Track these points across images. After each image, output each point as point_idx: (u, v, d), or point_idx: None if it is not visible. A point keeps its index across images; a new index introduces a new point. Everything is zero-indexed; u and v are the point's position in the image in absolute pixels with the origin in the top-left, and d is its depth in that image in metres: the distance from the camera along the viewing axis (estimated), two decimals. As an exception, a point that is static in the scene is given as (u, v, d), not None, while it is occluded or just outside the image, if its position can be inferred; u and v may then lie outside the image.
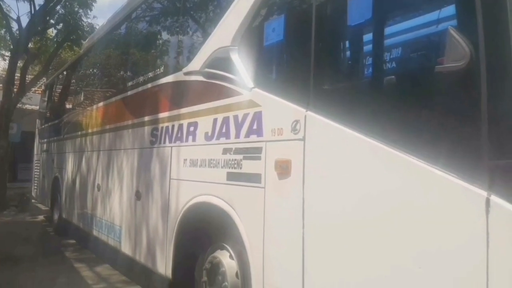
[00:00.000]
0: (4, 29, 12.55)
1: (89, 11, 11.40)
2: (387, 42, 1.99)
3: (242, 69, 2.71)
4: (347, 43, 2.37)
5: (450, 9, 1.74)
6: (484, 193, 1.42)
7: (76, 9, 11.20)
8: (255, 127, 2.54)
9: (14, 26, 10.87)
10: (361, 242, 1.87)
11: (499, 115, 1.43)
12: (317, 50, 2.18)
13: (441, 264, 1.54)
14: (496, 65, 1.45)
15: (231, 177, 2.73)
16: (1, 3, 10.53)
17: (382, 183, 1.80)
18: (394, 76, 1.91)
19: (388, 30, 1.99)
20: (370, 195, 1.84)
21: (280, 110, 2.35)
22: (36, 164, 9.89)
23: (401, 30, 1.92)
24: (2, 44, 13.81)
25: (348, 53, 2.40)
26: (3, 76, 11.78)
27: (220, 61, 2.90)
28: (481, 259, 1.40)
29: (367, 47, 2.15)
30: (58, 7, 10.97)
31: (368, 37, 2.11)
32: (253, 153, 2.53)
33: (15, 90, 10.65)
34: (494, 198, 1.40)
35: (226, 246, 2.90)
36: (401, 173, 1.73)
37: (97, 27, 10.53)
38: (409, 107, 1.77)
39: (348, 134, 1.92)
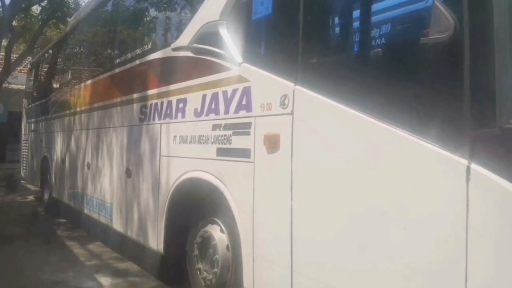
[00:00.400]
0: (-14, 7, 12.26)
1: (74, -13, 11.14)
2: (375, 16, 2.00)
3: (231, 44, 2.70)
4: (335, 17, 2.37)
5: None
6: (465, 162, 1.47)
7: (61, -15, 10.93)
8: (244, 102, 2.55)
9: (-3, 3, 10.59)
10: (347, 211, 1.92)
11: (481, 86, 1.47)
12: (305, 24, 2.18)
13: (424, 227, 1.60)
14: (479, 37, 1.48)
15: (221, 152, 2.75)
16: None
17: (367, 154, 1.85)
18: (380, 49, 1.93)
19: (375, 5, 2.00)
20: (356, 165, 1.89)
21: (269, 85, 2.36)
22: (24, 144, 9.80)
23: (388, 4, 1.93)
24: (-16, 22, 13.50)
25: (336, 27, 2.40)
26: (-13, 55, 11.53)
27: (209, 36, 2.89)
28: (462, 224, 1.45)
29: (355, 22, 2.17)
30: (42, -17, 10.71)
31: (356, 11, 2.12)
32: (242, 128, 2.55)
33: (0, 69, 10.44)
34: (475, 166, 1.44)
35: (217, 220, 2.95)
36: (386, 144, 1.77)
37: (83, 4, 10.30)
38: (395, 79, 1.80)
39: (335, 107, 1.95)
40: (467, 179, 1.44)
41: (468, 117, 1.48)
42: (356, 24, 2.18)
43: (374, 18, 2.01)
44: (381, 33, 1.95)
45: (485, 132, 1.44)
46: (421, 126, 1.62)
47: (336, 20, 2.37)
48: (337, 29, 2.40)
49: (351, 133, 1.92)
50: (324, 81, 2.07)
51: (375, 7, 2.00)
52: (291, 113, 2.18)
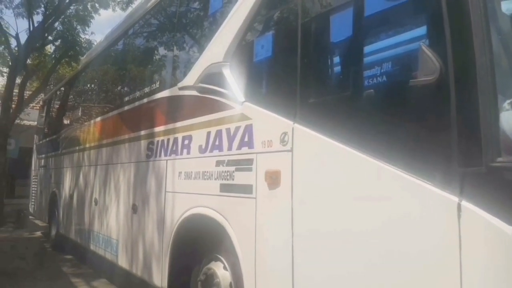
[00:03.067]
0: (2, 46, 12.73)
1: (87, 27, 11.56)
2: (367, 58, 2.11)
3: (234, 83, 2.81)
4: (331, 58, 2.49)
5: (422, 28, 1.86)
6: (455, 199, 1.51)
7: (75, 25, 11.36)
8: (246, 139, 2.63)
9: (13, 42, 11.04)
10: (346, 248, 1.94)
11: (468, 125, 1.53)
12: (303, 66, 2.29)
13: (418, 266, 1.62)
14: (464, 79, 1.55)
15: (224, 188, 2.80)
16: (0, 20, 10.74)
17: (362, 191, 1.90)
18: (373, 89, 2.01)
19: (367, 47, 2.10)
20: (352, 202, 1.93)
21: (270, 123, 2.44)
22: (33, 180, 9.92)
23: (380, 47, 2.03)
24: (0, 60, 13.98)
25: (331, 68, 2.51)
26: (1, 92, 11.86)
27: (213, 76, 3.01)
28: (455, 261, 1.47)
29: (349, 62, 2.27)
30: (57, 23, 11.15)
31: (350, 52, 2.23)
32: (244, 164, 2.61)
33: (13, 106, 10.73)
34: (465, 204, 1.48)
35: (220, 257, 2.96)
36: (380, 181, 1.82)
37: (95, 43, 10.70)
38: (388, 118, 1.87)
39: (333, 145, 2.02)
40: (459, 216, 1.48)
41: (457, 155, 1.53)
42: (349, 64, 2.28)
43: (366, 60, 2.11)
44: (371, 73, 2.04)
45: (473, 170, 1.49)
46: (414, 163, 1.67)
47: (332, 60, 2.49)
48: (334, 70, 2.51)
49: (347, 170, 1.97)
50: (321, 119, 2.15)
51: (367, 49, 2.10)
52: (291, 150, 2.25)
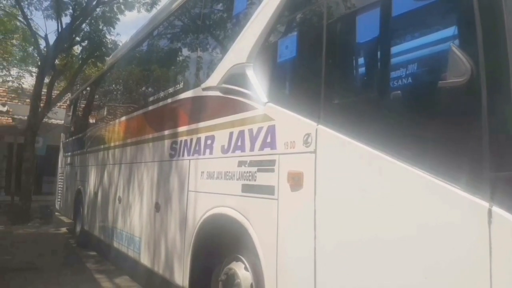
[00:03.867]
0: (32, 47, 13.11)
1: (112, 28, 11.78)
2: (394, 58, 2.06)
3: (257, 84, 2.81)
4: (356, 59, 2.45)
5: (452, 28, 1.81)
6: (486, 204, 1.46)
7: (101, 26, 11.60)
8: (268, 140, 2.62)
9: (42, 43, 11.37)
10: (370, 251, 1.91)
11: (500, 128, 1.48)
12: (328, 66, 2.27)
13: (447, 274, 1.58)
14: (496, 80, 1.51)
15: (246, 189, 2.80)
16: (30, 22, 11.05)
17: (389, 194, 1.85)
18: (400, 91, 1.97)
19: (395, 48, 2.06)
20: (377, 205, 1.89)
21: (293, 124, 2.43)
22: (60, 177, 10.18)
23: (407, 47, 1.99)
24: (30, 61, 14.40)
25: (356, 69, 2.48)
26: (31, 91, 12.21)
27: (237, 77, 3.01)
28: (485, 268, 1.43)
29: (375, 63, 2.23)
30: (84, 25, 11.40)
31: (376, 53, 2.19)
32: (267, 165, 2.61)
33: (41, 105, 11.03)
34: (496, 209, 1.43)
35: (241, 257, 2.96)
36: (407, 184, 1.78)
37: (120, 44, 10.89)
38: (415, 121, 1.83)
39: (357, 147, 1.99)
40: (489, 222, 1.43)
41: (488, 159, 1.48)
42: (376, 65, 2.25)
43: (393, 60, 2.06)
44: (401, 75, 1.99)
45: (505, 174, 1.44)
46: (442, 167, 1.63)
47: (358, 61, 2.45)
48: (359, 71, 2.47)
49: (371, 173, 1.94)
50: (345, 121, 2.13)
51: (394, 49, 2.06)
52: (314, 152, 2.23)
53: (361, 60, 2.44)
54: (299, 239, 2.30)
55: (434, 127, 1.75)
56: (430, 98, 1.80)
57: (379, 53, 2.16)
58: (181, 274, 3.52)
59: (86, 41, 11.64)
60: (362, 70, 2.44)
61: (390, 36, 2.11)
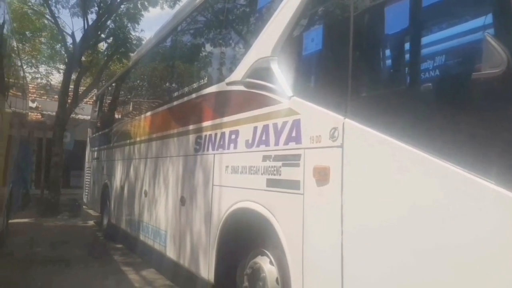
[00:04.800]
0: (59, 44, 13.44)
1: (136, 25, 11.95)
2: (424, 49, 2.00)
3: (282, 78, 2.79)
4: (384, 51, 2.39)
5: (487, 17, 1.74)
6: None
7: (125, 23, 11.78)
8: (294, 134, 2.60)
9: (69, 41, 11.64)
10: (401, 249, 1.87)
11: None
12: (355, 58, 2.22)
13: (478, 268, 1.53)
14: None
15: (271, 183, 2.80)
16: (57, 20, 11.32)
17: (421, 191, 1.80)
18: (431, 83, 1.91)
19: (425, 38, 2.00)
20: (409, 202, 1.85)
21: (319, 118, 2.40)
22: (87, 171, 10.43)
23: (438, 38, 1.92)
24: (57, 58, 14.77)
25: (385, 61, 2.42)
26: (59, 88, 12.52)
27: (261, 71, 3.00)
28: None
29: (404, 55, 2.18)
30: (109, 21, 11.60)
31: (405, 45, 2.13)
32: (292, 160, 2.59)
33: (69, 101, 11.31)
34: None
35: (266, 251, 2.96)
36: (440, 180, 1.73)
37: (144, 40, 11.03)
38: (447, 113, 1.78)
39: (386, 141, 1.95)
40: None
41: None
42: (405, 56, 2.19)
43: (424, 51, 2.00)
44: (431, 66, 1.93)
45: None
46: (475, 161, 1.58)
47: (386, 53, 2.39)
48: (387, 63, 2.42)
49: (401, 167, 1.90)
50: (373, 114, 2.08)
51: (424, 40, 2.00)
52: (341, 146, 2.20)
53: (389, 52, 2.38)
54: (326, 234, 2.28)
55: (467, 121, 1.69)
56: (462, 90, 1.74)
57: (408, 44, 2.10)
58: (207, 268, 3.55)
59: (111, 38, 11.85)
60: (390, 62, 2.39)
61: (420, 26, 2.04)
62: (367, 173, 2.07)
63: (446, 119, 1.80)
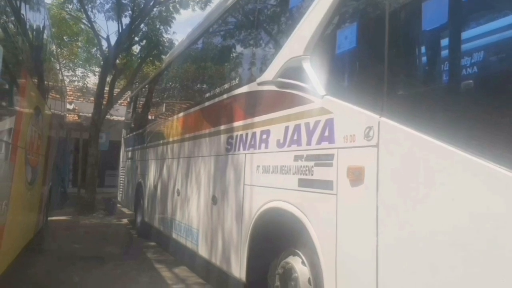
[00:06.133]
0: (95, 48, 13.87)
1: (168, 27, 12.16)
2: (464, 46, 1.93)
3: (314, 77, 2.76)
4: (421, 48, 2.32)
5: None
6: None
7: (158, 26, 12.01)
8: (326, 134, 2.57)
9: (104, 44, 11.99)
10: (439, 252, 1.81)
11: None
12: (391, 56, 2.17)
13: None
14: None
15: (303, 183, 2.78)
16: (94, 24, 11.68)
17: (461, 191, 1.74)
18: (472, 80, 1.84)
19: (464, 34, 1.92)
20: (448, 203, 1.78)
21: (353, 117, 2.36)
22: (121, 171, 10.70)
23: (478, 33, 1.85)
24: (93, 61, 15.25)
25: (422, 58, 2.35)
26: (94, 90, 12.91)
27: (293, 71, 2.98)
28: None
29: (443, 52, 2.10)
30: (142, 25, 11.86)
31: (443, 41, 2.06)
32: (325, 159, 2.56)
33: (104, 102, 11.64)
34: None
35: (298, 252, 2.95)
36: (482, 180, 1.67)
37: (176, 42, 11.21)
38: (489, 112, 1.71)
39: (424, 140, 1.89)
40: None
41: None
42: (443, 53, 2.12)
43: (463, 47, 1.93)
44: (469, 62, 1.86)
45: None
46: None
47: (423, 50, 2.32)
48: (424, 60, 2.35)
49: (441, 168, 1.83)
50: (411, 113, 2.02)
51: (464, 35, 1.92)
52: (376, 145, 2.16)
53: (427, 48, 2.31)
54: (360, 235, 2.24)
55: (510, 119, 1.61)
56: (505, 87, 1.67)
57: (447, 40, 2.03)
58: (238, 266, 3.57)
59: (144, 41, 12.10)
60: (429, 58, 2.31)
61: (459, 21, 1.96)
62: (404, 173, 2.01)
63: (488, 118, 1.72)
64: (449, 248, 1.76)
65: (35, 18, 4.79)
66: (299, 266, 2.90)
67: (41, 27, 5.40)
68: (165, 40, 12.08)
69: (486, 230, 1.63)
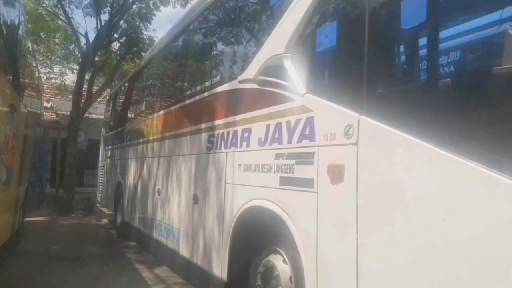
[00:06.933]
0: (73, 44, 13.59)
1: (148, 24, 12.02)
2: (442, 44, 1.96)
3: (295, 75, 2.76)
4: (401, 46, 2.35)
5: (507, 10, 1.68)
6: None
7: (137, 22, 11.85)
8: (307, 132, 2.58)
9: (82, 41, 11.77)
10: (418, 248, 1.83)
11: None
12: (371, 54, 2.18)
13: (498, 270, 1.49)
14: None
15: (284, 181, 2.77)
16: (71, 20, 11.44)
17: (440, 190, 1.76)
18: (449, 79, 1.86)
19: (442, 33, 1.95)
20: (428, 200, 1.80)
21: (333, 115, 2.37)
22: (101, 170, 10.53)
23: (455, 32, 1.87)
24: (71, 58, 14.94)
25: (402, 56, 2.37)
26: (73, 88, 12.66)
27: (274, 69, 2.98)
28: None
29: (422, 50, 2.13)
30: (121, 21, 11.69)
31: (422, 40, 2.09)
32: (305, 158, 2.57)
33: (82, 100, 11.43)
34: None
35: (280, 250, 2.94)
36: (459, 178, 1.69)
37: (156, 39, 11.08)
38: (467, 110, 1.73)
39: (404, 138, 1.91)
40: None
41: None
42: (422, 52, 2.14)
43: (441, 46, 1.95)
44: (447, 61, 1.89)
45: None
46: (495, 159, 1.53)
47: (403, 49, 2.35)
48: (404, 58, 2.37)
49: (420, 166, 1.85)
50: (390, 111, 2.04)
51: (442, 34, 1.95)
52: (356, 143, 2.17)
53: (407, 47, 2.33)
54: (341, 233, 2.25)
55: (487, 117, 1.64)
56: (484, 85, 1.69)
57: (425, 39, 2.06)
58: (220, 266, 3.55)
59: (124, 38, 11.94)
60: (408, 57, 2.33)
61: (438, 20, 1.99)
62: (383, 171, 2.03)
63: (466, 116, 1.75)
64: (430, 245, 1.78)
65: (9, 14, 4.66)
66: (280, 264, 2.90)
67: (16, 23, 5.25)
68: (145, 37, 11.95)
69: (468, 225, 1.65)
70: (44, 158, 12.92)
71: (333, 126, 2.35)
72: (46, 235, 7.50)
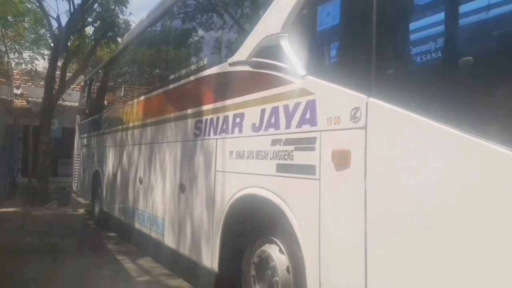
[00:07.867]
0: (44, 29, 12.98)
1: (124, 8, 11.56)
2: (461, 20, 1.84)
3: (293, 56, 2.61)
4: (413, 23, 2.22)
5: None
6: None
7: (113, 6, 11.38)
8: (308, 116, 2.44)
9: (54, 25, 11.22)
10: (430, 236, 1.74)
11: None
12: (379, 32, 2.04)
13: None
14: None
15: (282, 168, 2.64)
16: (42, 3, 10.88)
17: (454, 173, 1.66)
18: (466, 57, 1.74)
19: (461, 8, 1.83)
20: (441, 186, 1.71)
21: (337, 98, 2.24)
22: (76, 159, 10.16)
23: (477, 7, 1.76)
24: (42, 43, 14.29)
25: (414, 34, 2.25)
26: (44, 74, 12.12)
27: (269, 50, 2.82)
28: None
29: (438, 27, 2.01)
30: (96, 5, 11.19)
31: (438, 15, 1.97)
32: (306, 143, 2.44)
33: (55, 87, 10.95)
34: None
35: (275, 240, 2.83)
36: (477, 161, 1.59)
37: (133, 24, 10.68)
38: (484, 90, 1.63)
39: (417, 120, 1.79)
40: None
41: None
42: (436, 29, 2.02)
43: (460, 22, 1.83)
44: (462, 38, 1.77)
45: None
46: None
47: (416, 25, 2.22)
48: (417, 36, 2.25)
49: (434, 149, 1.75)
50: (401, 92, 1.92)
51: (461, 9, 1.82)
52: (364, 127, 2.05)
53: (420, 24, 2.21)
54: (347, 222, 2.14)
55: (507, 98, 1.54)
56: (503, 64, 1.59)
57: (442, 14, 1.93)
58: (210, 256, 3.41)
59: (99, 22, 11.45)
60: (421, 35, 2.21)
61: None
62: (395, 156, 1.92)
63: (483, 96, 1.65)
64: (443, 234, 1.69)
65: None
66: (276, 254, 2.78)
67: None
68: (121, 22, 11.50)
69: (481, 210, 1.56)
70: (15, 146, 12.40)
71: (337, 109, 2.22)
72: (20, 227, 7.17)
